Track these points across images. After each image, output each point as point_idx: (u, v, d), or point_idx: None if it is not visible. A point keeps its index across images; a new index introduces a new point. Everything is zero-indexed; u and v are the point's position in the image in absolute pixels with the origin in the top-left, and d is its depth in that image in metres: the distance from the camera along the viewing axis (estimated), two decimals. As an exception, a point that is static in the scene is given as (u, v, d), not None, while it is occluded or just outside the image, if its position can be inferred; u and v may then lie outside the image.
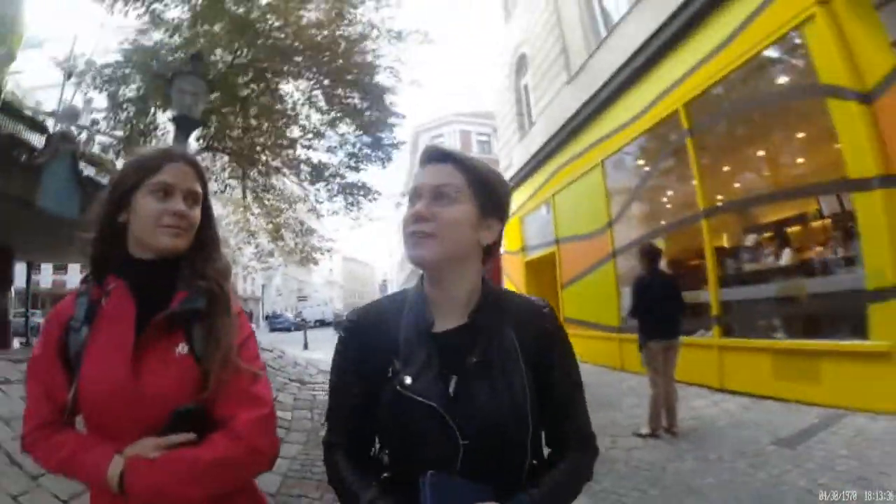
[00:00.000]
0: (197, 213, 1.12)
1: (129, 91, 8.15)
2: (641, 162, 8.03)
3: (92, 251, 1.10)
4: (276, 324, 35.33)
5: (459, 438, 0.87)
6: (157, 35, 8.61)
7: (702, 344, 6.16)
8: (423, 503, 0.80)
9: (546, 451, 1.01)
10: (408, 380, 0.90)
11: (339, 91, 9.47)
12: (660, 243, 7.18)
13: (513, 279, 14.43)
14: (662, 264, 5.03)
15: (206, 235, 1.15)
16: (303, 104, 9.72)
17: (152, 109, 8.36)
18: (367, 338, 1.01)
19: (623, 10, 8.34)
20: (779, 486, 3.15)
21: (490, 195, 0.99)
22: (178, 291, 1.07)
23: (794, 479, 3.20)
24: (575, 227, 10.00)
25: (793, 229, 5.67)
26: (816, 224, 5.32)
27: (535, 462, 0.95)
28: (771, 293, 5.53)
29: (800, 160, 5.69)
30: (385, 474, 0.93)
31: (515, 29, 14.35)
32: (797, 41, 5.01)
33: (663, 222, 7.61)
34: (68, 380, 1.02)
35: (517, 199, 13.62)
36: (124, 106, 8.24)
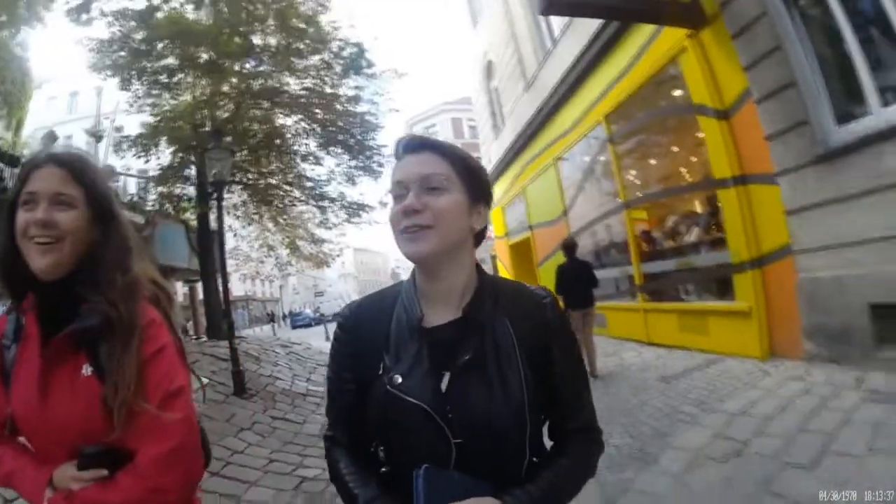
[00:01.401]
0: (69, 217, 0.96)
1: (164, 156, 9.48)
2: (587, 159, 8.95)
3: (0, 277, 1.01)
4: (297, 321, 36.09)
5: (451, 437, 0.82)
6: (167, 97, 9.84)
7: (632, 308, 7.23)
8: (416, 497, 0.77)
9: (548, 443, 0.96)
10: (398, 378, 0.85)
11: (329, 120, 10.58)
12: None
13: (502, 261, 15.53)
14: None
15: (101, 243, 1.01)
16: (299, 134, 10.86)
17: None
18: (359, 333, 0.95)
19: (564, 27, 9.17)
20: (642, 405, 4.33)
21: (476, 181, 0.93)
22: (82, 308, 0.95)
23: (656, 401, 4.37)
24: (542, 215, 10.99)
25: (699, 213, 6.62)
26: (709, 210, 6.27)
27: (535, 460, 0.89)
28: (675, 266, 6.53)
29: (687, 162, 6.58)
30: (383, 469, 0.89)
31: (481, 36, 15.03)
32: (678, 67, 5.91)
33: (601, 212, 8.53)
34: (7, 396, 0.97)
35: (498, 190, 14.59)
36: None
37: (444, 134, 36.41)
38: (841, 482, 2.61)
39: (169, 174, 9.98)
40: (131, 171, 13.27)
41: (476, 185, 0.93)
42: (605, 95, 7.32)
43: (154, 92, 9.71)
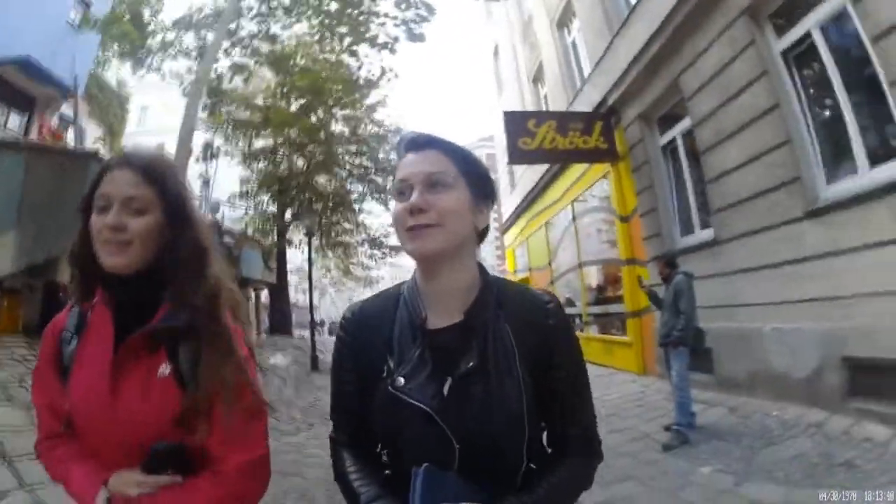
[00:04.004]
0: (141, 222, 0.93)
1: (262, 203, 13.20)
2: (565, 225, 12.01)
3: (70, 266, 1.01)
4: (333, 328, 40.06)
5: (454, 441, 0.81)
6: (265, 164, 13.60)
7: (580, 337, 10.24)
8: (412, 493, 0.78)
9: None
10: (400, 380, 0.85)
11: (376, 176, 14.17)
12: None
13: (512, 291, 18.75)
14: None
15: (174, 245, 0.97)
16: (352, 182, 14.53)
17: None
18: (361, 336, 0.94)
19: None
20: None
21: (479, 179, 0.93)
22: (161, 307, 0.95)
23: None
24: (536, 261, 14.13)
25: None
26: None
27: (533, 466, 0.87)
28: (601, 311, 9.55)
29: (612, 244, 9.47)
30: (387, 471, 0.89)
31: (504, 105, 18.28)
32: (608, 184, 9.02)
33: (569, 267, 11.58)
34: (65, 391, 0.95)
35: (511, 236, 17.78)
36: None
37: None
38: (610, 415, 5.64)
39: (262, 217, 13.74)
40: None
41: (479, 183, 0.93)
42: (573, 187, 10.46)
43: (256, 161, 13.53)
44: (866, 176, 4.50)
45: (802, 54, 5.21)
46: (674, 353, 4.93)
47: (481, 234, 0.96)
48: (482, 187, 0.94)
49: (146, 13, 11.85)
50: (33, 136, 13.17)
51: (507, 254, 19.58)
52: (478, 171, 0.93)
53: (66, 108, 14.79)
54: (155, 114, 27.30)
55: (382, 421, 0.88)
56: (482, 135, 40.41)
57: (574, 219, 10.57)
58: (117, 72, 16.52)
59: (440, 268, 0.90)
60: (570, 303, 11.06)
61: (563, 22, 11.68)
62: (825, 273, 4.61)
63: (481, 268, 0.96)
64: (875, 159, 4.48)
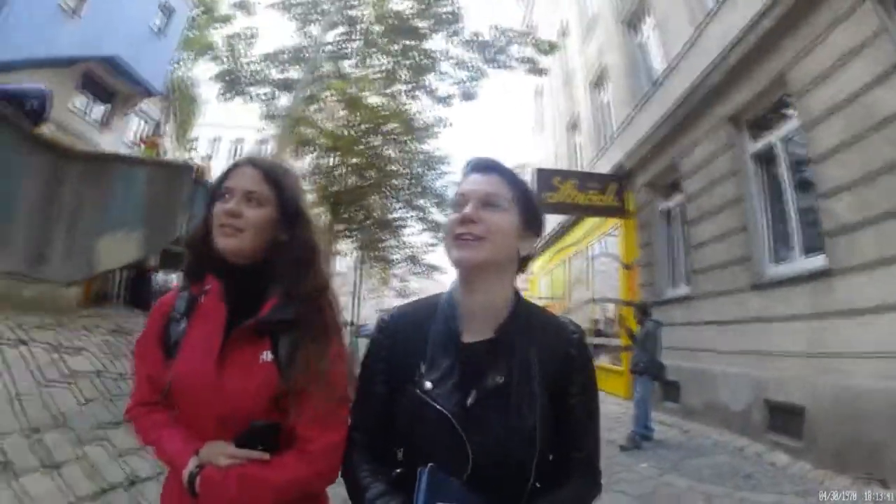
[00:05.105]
0: (256, 213, 1.06)
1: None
2: (583, 264, 13.54)
3: (187, 253, 1.13)
4: (362, 331, 41.84)
5: (469, 449, 0.87)
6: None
7: (583, 364, 11.75)
8: (416, 491, 0.81)
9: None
10: (428, 385, 0.91)
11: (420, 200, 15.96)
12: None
13: (533, 315, 20.33)
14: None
15: (288, 242, 1.08)
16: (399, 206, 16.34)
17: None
18: (397, 339, 1.01)
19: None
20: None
21: (531, 210, 1.00)
22: (269, 299, 1.04)
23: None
24: (555, 291, 15.67)
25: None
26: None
27: (538, 485, 0.91)
28: (602, 342, 11.03)
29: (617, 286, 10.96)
30: (398, 470, 0.92)
31: (540, 147, 19.97)
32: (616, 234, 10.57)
33: (582, 300, 13.04)
34: (167, 365, 1.05)
35: (537, 265, 19.34)
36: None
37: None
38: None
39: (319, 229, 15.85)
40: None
41: (530, 213, 1.00)
42: (590, 233, 12.01)
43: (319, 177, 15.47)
44: (799, 263, 5.95)
45: (768, 160, 6.70)
46: (639, 379, 6.48)
47: (523, 262, 1.02)
48: (531, 217, 1.01)
49: (241, 46, 13.95)
50: (111, 126, 15.27)
51: (531, 280, 21.16)
52: (530, 202, 1.02)
53: (144, 105, 16.88)
54: (211, 108, 29.33)
55: (404, 422, 0.94)
56: (518, 161, 42.16)
57: (589, 260, 12.11)
58: (187, 72, 18.29)
59: (479, 281, 0.97)
60: (582, 331, 12.52)
61: (598, 83, 13.21)
62: (758, 333, 6.09)
63: (516, 292, 1.02)
64: (807, 251, 5.91)
